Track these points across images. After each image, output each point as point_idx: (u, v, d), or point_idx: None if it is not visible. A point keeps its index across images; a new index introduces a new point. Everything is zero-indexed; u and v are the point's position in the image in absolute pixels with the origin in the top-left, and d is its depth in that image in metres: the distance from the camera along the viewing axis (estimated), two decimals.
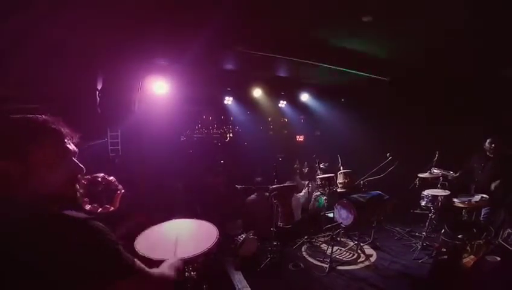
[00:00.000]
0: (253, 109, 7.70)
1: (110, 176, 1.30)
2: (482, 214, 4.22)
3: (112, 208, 1.24)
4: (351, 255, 4.07)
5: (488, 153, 4.20)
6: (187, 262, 1.75)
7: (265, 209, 4.19)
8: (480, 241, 3.14)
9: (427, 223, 4.12)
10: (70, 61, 3.34)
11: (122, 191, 1.30)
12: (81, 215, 0.83)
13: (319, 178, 4.53)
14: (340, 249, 4.22)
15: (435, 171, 4.25)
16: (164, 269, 1.12)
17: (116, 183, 1.30)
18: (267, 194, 4.13)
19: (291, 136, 9.22)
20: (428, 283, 3.21)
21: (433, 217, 4.09)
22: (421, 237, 4.13)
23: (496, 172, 4.05)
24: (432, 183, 4.36)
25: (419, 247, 4.01)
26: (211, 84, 5.95)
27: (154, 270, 1.01)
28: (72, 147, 0.92)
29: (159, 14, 3.09)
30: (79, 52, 3.35)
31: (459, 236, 3.35)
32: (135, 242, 1.68)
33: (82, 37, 3.10)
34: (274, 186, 4.12)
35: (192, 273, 1.80)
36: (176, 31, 3.37)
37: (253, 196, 4.67)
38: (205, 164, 6.69)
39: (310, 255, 4.14)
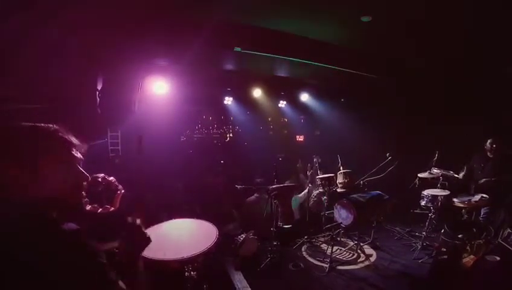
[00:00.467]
0: (253, 109, 7.69)
1: (110, 176, 1.30)
2: (482, 213, 4.23)
3: (112, 209, 1.24)
4: (351, 255, 4.07)
5: (488, 153, 4.20)
6: (187, 262, 1.76)
7: (261, 210, 4.19)
8: (480, 241, 3.15)
9: (426, 223, 4.12)
10: (70, 61, 3.34)
11: (122, 191, 1.30)
12: (74, 229, 0.84)
13: (319, 178, 4.53)
14: (340, 249, 4.22)
15: (435, 171, 4.25)
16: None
17: (116, 183, 1.30)
18: (266, 196, 4.13)
19: (291, 136, 9.22)
20: (428, 283, 3.21)
21: (433, 217, 4.09)
22: (421, 236, 4.13)
23: (496, 172, 4.05)
24: (431, 183, 4.37)
25: (419, 247, 4.01)
26: (210, 84, 5.95)
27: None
28: (78, 155, 0.96)
29: (159, 14, 3.10)
30: (79, 52, 3.35)
31: (459, 236, 3.35)
32: None
33: (82, 37, 3.10)
34: (274, 186, 4.12)
35: (192, 273, 1.80)
36: (176, 31, 3.38)
37: (253, 197, 4.67)
38: (205, 164, 6.70)
39: (310, 255, 4.15)
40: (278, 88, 6.77)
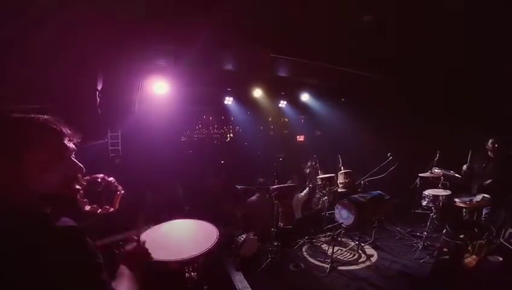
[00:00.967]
0: (253, 109, 7.69)
1: (110, 176, 1.30)
2: (483, 213, 4.21)
3: (112, 209, 1.23)
4: (352, 255, 4.06)
5: (489, 153, 4.19)
6: (187, 263, 1.75)
7: (266, 209, 4.18)
8: (482, 241, 3.13)
9: (428, 223, 4.11)
10: (70, 61, 3.33)
11: (122, 192, 1.29)
12: (72, 225, 0.82)
13: (320, 178, 4.52)
14: (341, 249, 4.21)
15: (436, 171, 4.24)
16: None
17: (116, 184, 1.29)
18: (267, 196, 4.12)
19: (292, 136, 9.21)
20: (430, 283, 3.20)
21: (434, 217, 4.08)
22: (422, 237, 4.12)
23: (498, 172, 4.04)
24: (432, 183, 4.35)
25: (420, 247, 3.99)
26: (211, 85, 5.94)
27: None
28: (71, 146, 0.91)
29: (159, 14, 3.09)
30: (79, 52, 3.34)
31: (461, 236, 3.34)
32: None
33: (82, 37, 3.10)
34: (275, 186, 4.11)
35: (192, 273, 1.79)
36: (176, 31, 3.38)
37: (254, 197, 4.66)
38: (205, 164, 6.69)
39: (310, 256, 4.13)
40: (278, 88, 6.76)
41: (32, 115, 0.86)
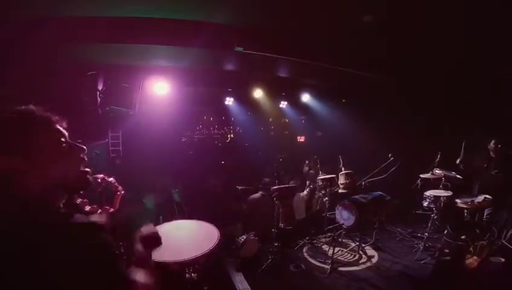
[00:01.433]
0: (254, 110, 7.69)
1: (110, 177, 1.29)
2: (485, 214, 4.20)
3: (112, 209, 1.22)
4: (353, 256, 4.05)
5: (491, 153, 4.18)
6: (188, 264, 1.74)
7: (267, 209, 4.17)
8: (483, 242, 3.12)
9: (429, 224, 4.09)
10: (71, 61, 3.34)
11: (122, 192, 1.29)
12: (89, 222, 0.81)
13: (321, 179, 4.51)
14: (342, 250, 4.19)
15: (437, 171, 4.22)
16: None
17: (116, 184, 1.29)
18: (268, 196, 4.11)
19: (292, 137, 9.20)
20: (431, 284, 3.18)
21: (435, 217, 4.06)
22: (423, 237, 4.10)
23: (500, 172, 4.02)
24: (434, 183, 4.34)
25: (421, 248, 3.98)
26: (211, 85, 5.94)
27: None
28: (62, 130, 0.90)
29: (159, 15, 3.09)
30: (80, 52, 3.35)
31: (462, 237, 3.32)
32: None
33: (83, 37, 3.10)
34: (275, 187, 4.10)
35: (192, 274, 1.79)
36: (177, 31, 3.37)
37: (257, 195, 4.65)
38: (206, 164, 6.69)
39: (311, 256, 4.12)
40: (279, 89, 6.76)
41: (20, 108, 0.83)
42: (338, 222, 4.14)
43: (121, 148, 5.26)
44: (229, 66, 4.92)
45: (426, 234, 4.08)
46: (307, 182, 5.39)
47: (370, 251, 4.14)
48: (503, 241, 3.40)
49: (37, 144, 0.81)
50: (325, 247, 4.29)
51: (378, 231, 4.43)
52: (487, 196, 3.86)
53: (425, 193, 4.13)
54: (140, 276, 0.96)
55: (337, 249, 4.10)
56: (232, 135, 9.16)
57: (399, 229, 4.68)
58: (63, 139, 0.88)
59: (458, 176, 4.22)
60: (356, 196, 4.18)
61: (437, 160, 4.32)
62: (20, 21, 2.50)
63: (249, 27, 3.63)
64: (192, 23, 3.33)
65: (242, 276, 3.55)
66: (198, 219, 2.15)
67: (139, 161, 5.17)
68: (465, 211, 4.03)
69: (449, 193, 3.97)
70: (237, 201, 4.95)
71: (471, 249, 3.05)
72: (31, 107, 0.85)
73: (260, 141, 8.48)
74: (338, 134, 7.29)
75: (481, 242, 3.10)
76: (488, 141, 4.23)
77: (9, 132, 0.80)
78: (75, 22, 2.79)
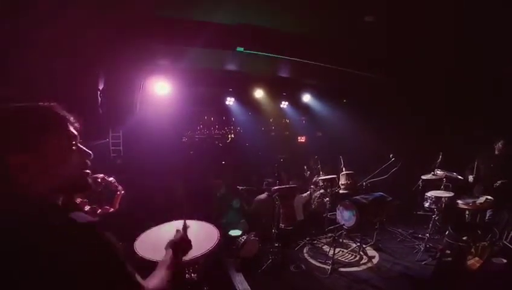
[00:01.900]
0: (254, 110, 7.68)
1: (110, 176, 1.29)
2: (487, 215, 4.18)
3: (112, 209, 1.22)
4: (353, 256, 4.04)
5: (496, 152, 4.18)
6: (188, 264, 1.73)
7: (269, 209, 4.17)
8: (485, 243, 3.10)
9: (430, 225, 4.08)
10: (72, 61, 3.34)
11: (122, 192, 1.29)
12: (92, 220, 0.80)
13: (321, 179, 4.50)
14: (342, 251, 4.18)
15: (439, 172, 4.21)
16: (161, 276, 1.03)
17: (116, 184, 1.28)
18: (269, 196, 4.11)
19: (293, 137, 9.20)
20: (432, 285, 3.17)
21: (436, 218, 4.05)
22: (424, 238, 4.08)
23: (505, 172, 4.02)
24: (435, 184, 4.32)
25: (422, 249, 3.96)
26: (212, 85, 5.94)
27: (153, 282, 0.97)
28: (75, 132, 0.90)
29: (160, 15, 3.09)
30: (80, 52, 3.35)
31: (464, 238, 3.31)
32: (135, 244, 1.66)
33: (84, 37, 3.10)
34: (276, 187, 4.10)
35: (192, 275, 1.78)
36: (178, 31, 3.38)
37: (262, 196, 4.63)
38: (206, 164, 6.68)
39: (311, 257, 4.11)
40: (279, 89, 6.76)
41: (35, 104, 0.83)
42: (339, 223, 4.13)
43: (121, 148, 5.26)
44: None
45: (427, 234, 4.06)
46: (308, 183, 5.37)
47: (371, 252, 4.13)
48: (505, 242, 3.39)
49: (49, 143, 0.81)
50: (326, 247, 4.28)
51: (379, 231, 4.41)
52: (489, 197, 3.84)
53: (426, 194, 4.12)
54: (150, 279, 0.96)
55: (337, 249, 4.08)
56: (232, 135, 9.16)
57: (400, 230, 4.66)
58: (74, 142, 0.87)
59: (460, 177, 4.21)
60: (357, 197, 4.17)
61: (438, 161, 4.30)
62: (22, 20, 2.50)
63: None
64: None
65: (242, 276, 3.54)
66: (199, 219, 2.15)
67: (140, 160, 5.18)
68: (467, 212, 4.02)
69: (450, 194, 3.95)
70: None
71: (472, 250, 3.04)
72: (49, 104, 0.85)
73: (261, 141, 8.47)
74: (339, 134, 7.28)
75: (482, 243, 3.08)
76: (495, 141, 4.23)
77: (23, 127, 0.79)
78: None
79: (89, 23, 2.91)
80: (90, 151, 0.93)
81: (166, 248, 1.18)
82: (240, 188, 4.85)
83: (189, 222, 2.10)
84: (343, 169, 4.65)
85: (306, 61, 4.46)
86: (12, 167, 0.76)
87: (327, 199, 4.43)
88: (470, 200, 3.83)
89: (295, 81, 6.41)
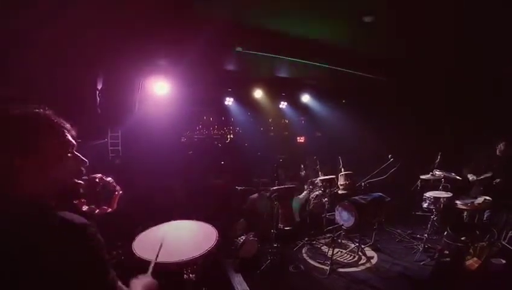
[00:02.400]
0: (254, 110, 7.68)
1: (108, 176, 1.28)
2: (485, 216, 4.19)
3: (110, 209, 1.21)
4: (352, 257, 4.04)
5: (498, 153, 4.19)
6: (186, 264, 1.73)
7: (266, 208, 4.17)
8: (483, 243, 3.11)
9: (428, 225, 4.08)
10: (70, 61, 3.33)
11: (120, 192, 1.28)
12: (81, 220, 0.81)
13: (320, 179, 4.50)
14: (341, 251, 4.19)
15: (437, 173, 4.21)
16: None
17: (114, 184, 1.27)
18: (267, 195, 4.11)
19: (292, 137, 9.20)
20: (430, 286, 3.18)
21: (435, 219, 4.06)
22: (423, 239, 4.09)
23: (507, 173, 4.04)
24: (433, 185, 4.33)
25: (421, 249, 3.97)
26: (211, 85, 5.94)
27: None
28: (72, 139, 0.92)
29: (160, 15, 3.09)
30: (80, 52, 3.34)
31: (462, 238, 3.32)
32: (133, 244, 1.66)
33: (83, 37, 3.10)
34: (274, 187, 4.10)
35: (191, 275, 1.78)
36: (177, 31, 3.37)
37: (254, 195, 4.64)
38: (206, 165, 6.68)
39: (310, 257, 4.11)
40: (278, 89, 6.76)
41: (34, 110, 0.85)
42: (337, 223, 4.13)
43: (120, 148, 5.26)
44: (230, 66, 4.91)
45: (426, 235, 4.07)
46: (305, 186, 5.37)
47: (369, 252, 4.13)
48: (503, 243, 3.39)
49: (48, 148, 0.83)
50: (325, 248, 4.28)
51: (378, 232, 4.42)
52: (487, 197, 3.85)
53: (425, 194, 4.13)
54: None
55: (336, 250, 4.09)
56: (231, 135, 9.15)
57: (398, 231, 4.67)
58: (70, 149, 0.90)
59: (458, 177, 4.21)
60: (356, 197, 4.17)
61: (437, 161, 4.31)
62: (21, 21, 2.49)
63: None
64: None
65: (241, 277, 3.53)
66: (198, 219, 2.14)
67: (139, 160, 5.17)
68: (465, 212, 4.03)
69: (449, 194, 3.96)
70: (237, 201, 4.95)
71: (471, 250, 3.04)
72: (46, 111, 0.87)
73: (260, 142, 8.47)
74: (338, 134, 7.29)
75: (481, 243, 3.09)
76: (497, 142, 4.24)
77: (23, 132, 0.81)
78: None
79: (89, 23, 2.90)
80: (85, 159, 0.95)
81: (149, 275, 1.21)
82: (239, 188, 4.85)
83: (189, 222, 2.11)
84: (342, 169, 4.66)
85: (306, 61, 4.46)
86: (13, 168, 0.78)
87: (326, 199, 4.43)
88: (469, 201, 3.84)
89: (294, 81, 6.41)
